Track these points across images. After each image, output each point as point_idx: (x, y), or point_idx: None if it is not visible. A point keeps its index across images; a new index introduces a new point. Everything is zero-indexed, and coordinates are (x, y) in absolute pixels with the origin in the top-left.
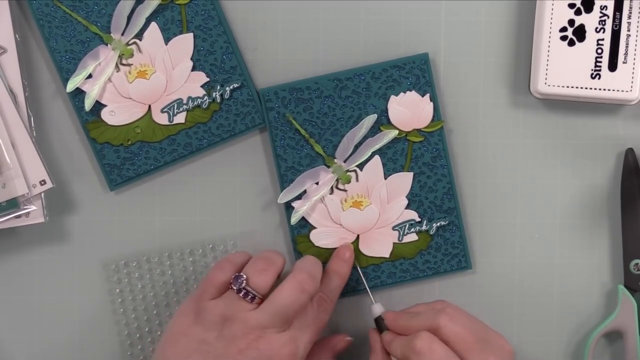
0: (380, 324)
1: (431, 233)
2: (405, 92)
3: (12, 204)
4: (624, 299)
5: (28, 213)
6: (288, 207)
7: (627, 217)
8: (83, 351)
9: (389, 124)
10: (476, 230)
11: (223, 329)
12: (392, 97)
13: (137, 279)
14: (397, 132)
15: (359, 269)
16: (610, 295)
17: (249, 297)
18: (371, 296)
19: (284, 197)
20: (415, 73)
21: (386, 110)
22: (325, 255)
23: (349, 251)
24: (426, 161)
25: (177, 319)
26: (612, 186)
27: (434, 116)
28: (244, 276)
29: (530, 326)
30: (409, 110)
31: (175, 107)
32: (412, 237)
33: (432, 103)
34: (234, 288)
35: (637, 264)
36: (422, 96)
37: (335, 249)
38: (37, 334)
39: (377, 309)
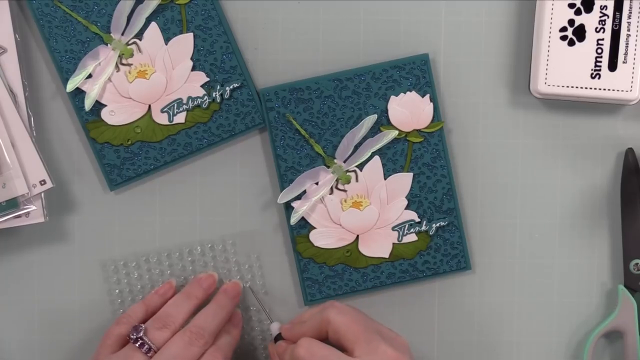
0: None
1: (431, 233)
2: (405, 93)
3: (12, 204)
4: (624, 299)
5: (28, 213)
6: (288, 207)
7: (627, 217)
8: (83, 351)
9: (389, 125)
10: (476, 230)
11: None
12: (392, 98)
13: (136, 279)
14: (397, 132)
15: (253, 293)
16: (610, 295)
17: (145, 347)
18: (268, 315)
19: (283, 197)
20: (416, 74)
21: (386, 111)
22: (325, 256)
23: (237, 288)
24: (426, 162)
25: None
26: (612, 186)
27: (433, 117)
28: (143, 327)
29: (530, 326)
30: (409, 110)
31: (175, 107)
32: (411, 237)
33: (432, 104)
34: (132, 337)
35: (637, 264)
36: (422, 97)
37: (334, 249)
38: (37, 334)
39: (275, 327)
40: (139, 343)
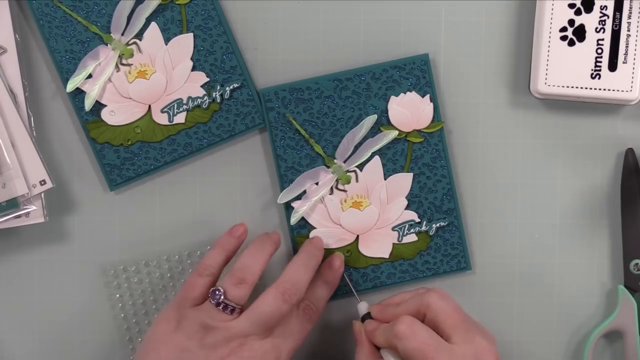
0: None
1: (431, 234)
2: (405, 93)
3: (12, 204)
4: (624, 299)
5: (28, 213)
6: (288, 207)
7: (627, 217)
8: (83, 351)
9: (389, 125)
10: (476, 230)
11: (204, 337)
12: (392, 98)
13: (136, 283)
14: (397, 132)
15: (345, 276)
16: (610, 295)
17: (229, 309)
18: (357, 296)
19: (283, 197)
20: (416, 74)
21: (386, 111)
22: (325, 256)
23: (339, 260)
24: (426, 162)
25: (157, 326)
26: (612, 186)
27: (434, 117)
28: (221, 290)
29: (530, 326)
30: (409, 111)
31: (175, 107)
32: (411, 237)
33: (432, 104)
34: (212, 302)
35: (637, 264)
36: (422, 97)
37: (335, 248)
38: (37, 334)
39: (363, 307)
40: (221, 306)
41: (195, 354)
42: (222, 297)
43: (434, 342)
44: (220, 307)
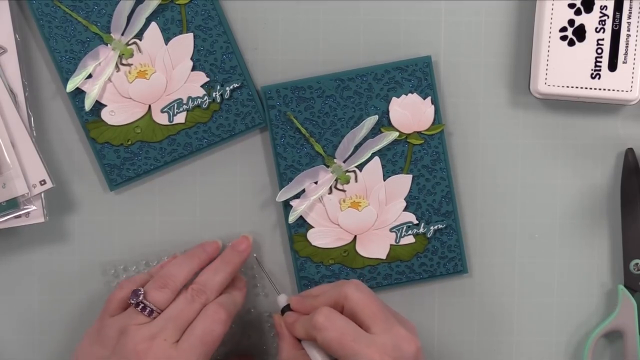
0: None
1: (428, 236)
2: (406, 94)
3: (12, 204)
4: (624, 299)
5: (28, 213)
6: (286, 206)
7: (627, 217)
8: None
9: (390, 126)
10: (476, 230)
11: (118, 343)
12: (394, 99)
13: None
14: (397, 134)
15: (261, 266)
16: (610, 295)
17: (147, 310)
18: (275, 288)
19: (282, 196)
20: (418, 75)
21: (387, 112)
22: (322, 255)
23: (246, 243)
24: (426, 164)
25: (82, 340)
26: (612, 186)
27: (434, 119)
28: (142, 290)
29: (530, 326)
30: (410, 112)
31: (175, 107)
32: (409, 239)
33: (433, 106)
34: (132, 302)
35: (637, 264)
36: (424, 99)
37: (331, 248)
38: (37, 334)
39: (282, 299)
40: (140, 307)
41: None
42: (141, 297)
43: (353, 332)
44: (139, 308)
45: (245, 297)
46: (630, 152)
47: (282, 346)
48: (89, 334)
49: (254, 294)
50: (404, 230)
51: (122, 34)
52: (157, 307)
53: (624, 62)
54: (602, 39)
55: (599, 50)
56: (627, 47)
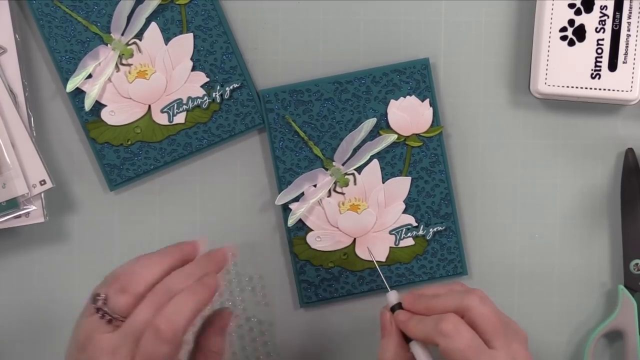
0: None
1: (428, 238)
2: (405, 97)
3: (12, 204)
4: (624, 299)
5: (28, 213)
6: (285, 209)
7: (627, 217)
8: None
9: (388, 128)
10: (475, 231)
11: (83, 352)
12: (392, 102)
13: None
14: (396, 136)
15: (375, 262)
16: (610, 295)
17: (106, 319)
18: (386, 284)
19: (281, 199)
20: (416, 78)
21: (386, 115)
22: (321, 258)
23: (222, 253)
24: (424, 166)
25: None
26: (612, 186)
27: (433, 121)
28: (102, 295)
29: (530, 326)
30: (408, 114)
31: (175, 107)
32: (408, 241)
33: (431, 108)
34: (91, 307)
35: (637, 264)
36: (422, 101)
37: (331, 251)
38: (37, 334)
39: (393, 297)
40: (99, 314)
41: None
42: (100, 303)
43: (477, 346)
44: (99, 315)
45: (212, 299)
46: (630, 152)
47: (387, 345)
48: (71, 335)
49: (254, 302)
50: (403, 232)
51: (122, 34)
52: (119, 314)
53: (624, 62)
54: (602, 39)
55: (599, 50)
56: (627, 47)
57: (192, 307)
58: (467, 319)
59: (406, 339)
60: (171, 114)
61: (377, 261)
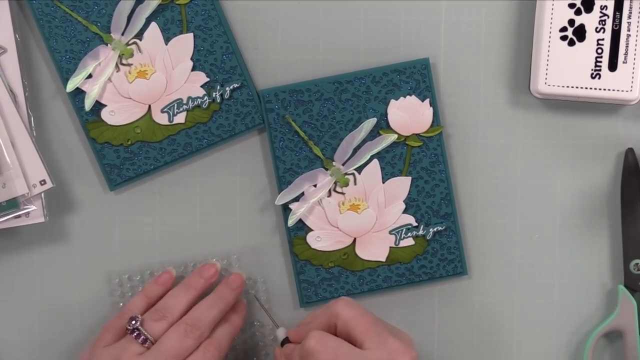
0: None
1: (428, 238)
2: (405, 97)
3: (12, 204)
4: (624, 299)
5: (28, 213)
6: (285, 209)
7: (627, 217)
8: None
9: (388, 128)
10: (475, 231)
11: None
12: (392, 101)
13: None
14: (396, 136)
15: (257, 299)
16: (610, 295)
17: (141, 338)
18: (274, 321)
19: (281, 199)
20: (416, 78)
21: (386, 114)
22: (322, 258)
23: (240, 280)
24: (424, 166)
25: None
26: (612, 186)
27: (433, 121)
28: (140, 318)
29: (530, 326)
30: (408, 114)
31: (175, 107)
32: (408, 241)
33: (431, 108)
34: (129, 328)
35: (637, 264)
36: (422, 101)
37: (331, 251)
38: (37, 334)
39: (281, 333)
40: (135, 334)
41: None
42: (138, 324)
43: (346, 351)
44: (134, 335)
45: (245, 319)
46: (630, 152)
47: None
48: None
49: (257, 306)
50: (403, 232)
51: (122, 34)
52: (152, 337)
53: (624, 62)
54: (602, 39)
55: (599, 50)
56: (627, 47)
57: (232, 329)
58: (339, 326)
59: None
60: (171, 114)
61: (376, 261)
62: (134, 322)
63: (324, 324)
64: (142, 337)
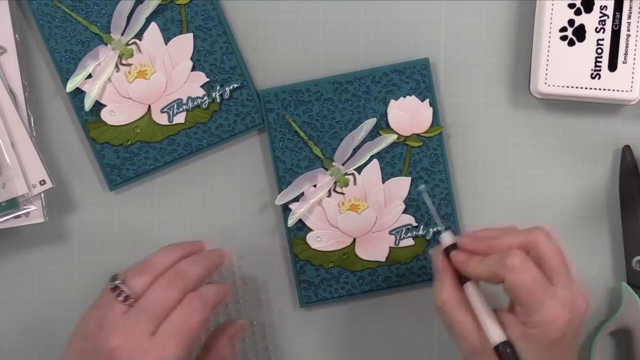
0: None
1: (428, 238)
2: (405, 97)
3: (12, 204)
4: (628, 296)
5: (28, 213)
6: (285, 209)
7: (626, 215)
8: None
9: (388, 128)
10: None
11: (96, 337)
12: (392, 102)
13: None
14: (395, 136)
15: (427, 196)
16: (613, 293)
17: (123, 296)
18: (440, 223)
19: (281, 199)
20: (416, 78)
21: (385, 115)
22: (321, 259)
23: (225, 252)
24: (424, 166)
25: (71, 334)
26: (612, 186)
27: (433, 121)
28: (121, 275)
29: None
30: (408, 114)
31: (175, 107)
32: (408, 241)
33: (431, 108)
34: (109, 286)
35: (639, 260)
36: (422, 101)
37: (331, 251)
38: (36, 334)
39: (448, 237)
40: (116, 292)
41: (89, 354)
42: (118, 282)
43: (542, 281)
44: (115, 294)
45: (228, 293)
46: (627, 149)
47: (442, 286)
48: (76, 326)
49: (256, 306)
50: (403, 232)
51: (122, 34)
52: (135, 293)
53: (624, 62)
54: (602, 39)
55: (599, 50)
56: (627, 47)
57: (218, 290)
58: (533, 254)
59: (460, 281)
60: (171, 114)
61: (376, 261)
62: (115, 280)
63: (516, 245)
64: (124, 294)
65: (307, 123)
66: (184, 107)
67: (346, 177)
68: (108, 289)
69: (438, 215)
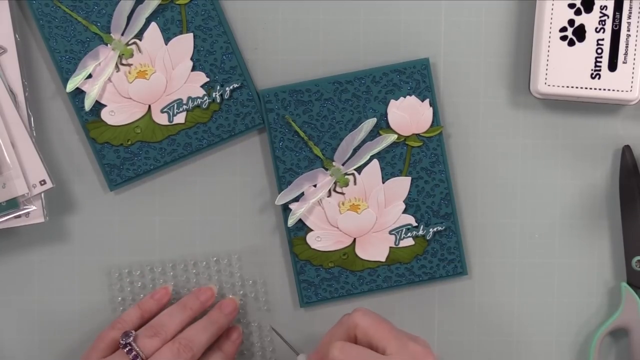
0: None
1: (428, 238)
2: (405, 97)
3: (12, 204)
4: (628, 296)
5: (28, 213)
6: (285, 209)
7: (626, 215)
8: (82, 351)
9: (388, 128)
10: (475, 231)
11: None
12: (392, 102)
13: (140, 288)
14: (396, 136)
15: (276, 332)
16: (613, 293)
17: (133, 354)
18: (293, 349)
19: (281, 199)
20: (416, 78)
21: (386, 115)
22: (322, 258)
23: (232, 305)
24: (424, 166)
25: None
26: (611, 186)
27: (433, 121)
28: (133, 333)
29: (532, 326)
30: (408, 114)
31: (175, 107)
32: (408, 241)
33: (431, 108)
34: (122, 342)
35: (639, 260)
36: (422, 101)
37: (331, 251)
38: (37, 334)
39: (302, 359)
40: (127, 349)
41: None
42: (131, 339)
43: (370, 358)
44: (126, 350)
45: (238, 348)
46: (627, 149)
47: None
48: None
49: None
50: (403, 232)
51: (122, 34)
52: (144, 353)
53: (624, 62)
54: (602, 39)
55: (599, 50)
56: (627, 47)
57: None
58: (359, 336)
59: None
60: (171, 114)
61: (376, 261)
62: (127, 337)
63: (344, 337)
64: (134, 353)
65: (307, 123)
66: (184, 107)
67: (346, 177)
68: (120, 344)
69: (290, 345)
